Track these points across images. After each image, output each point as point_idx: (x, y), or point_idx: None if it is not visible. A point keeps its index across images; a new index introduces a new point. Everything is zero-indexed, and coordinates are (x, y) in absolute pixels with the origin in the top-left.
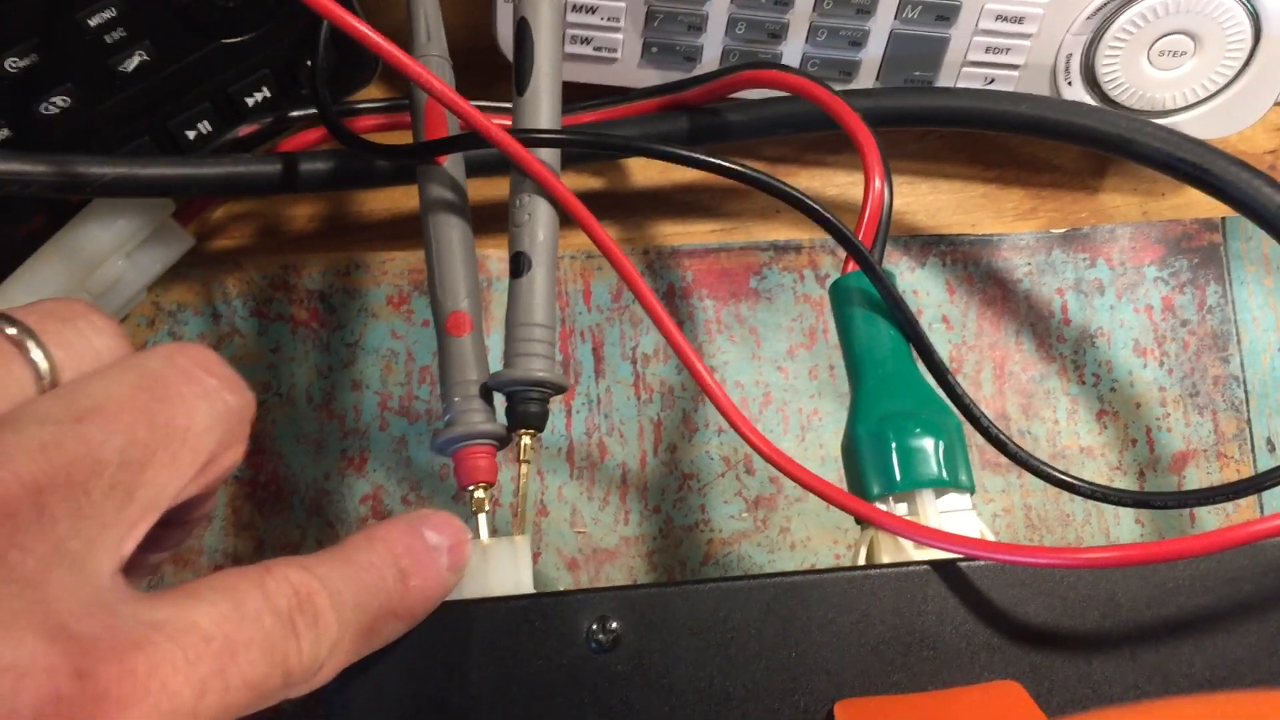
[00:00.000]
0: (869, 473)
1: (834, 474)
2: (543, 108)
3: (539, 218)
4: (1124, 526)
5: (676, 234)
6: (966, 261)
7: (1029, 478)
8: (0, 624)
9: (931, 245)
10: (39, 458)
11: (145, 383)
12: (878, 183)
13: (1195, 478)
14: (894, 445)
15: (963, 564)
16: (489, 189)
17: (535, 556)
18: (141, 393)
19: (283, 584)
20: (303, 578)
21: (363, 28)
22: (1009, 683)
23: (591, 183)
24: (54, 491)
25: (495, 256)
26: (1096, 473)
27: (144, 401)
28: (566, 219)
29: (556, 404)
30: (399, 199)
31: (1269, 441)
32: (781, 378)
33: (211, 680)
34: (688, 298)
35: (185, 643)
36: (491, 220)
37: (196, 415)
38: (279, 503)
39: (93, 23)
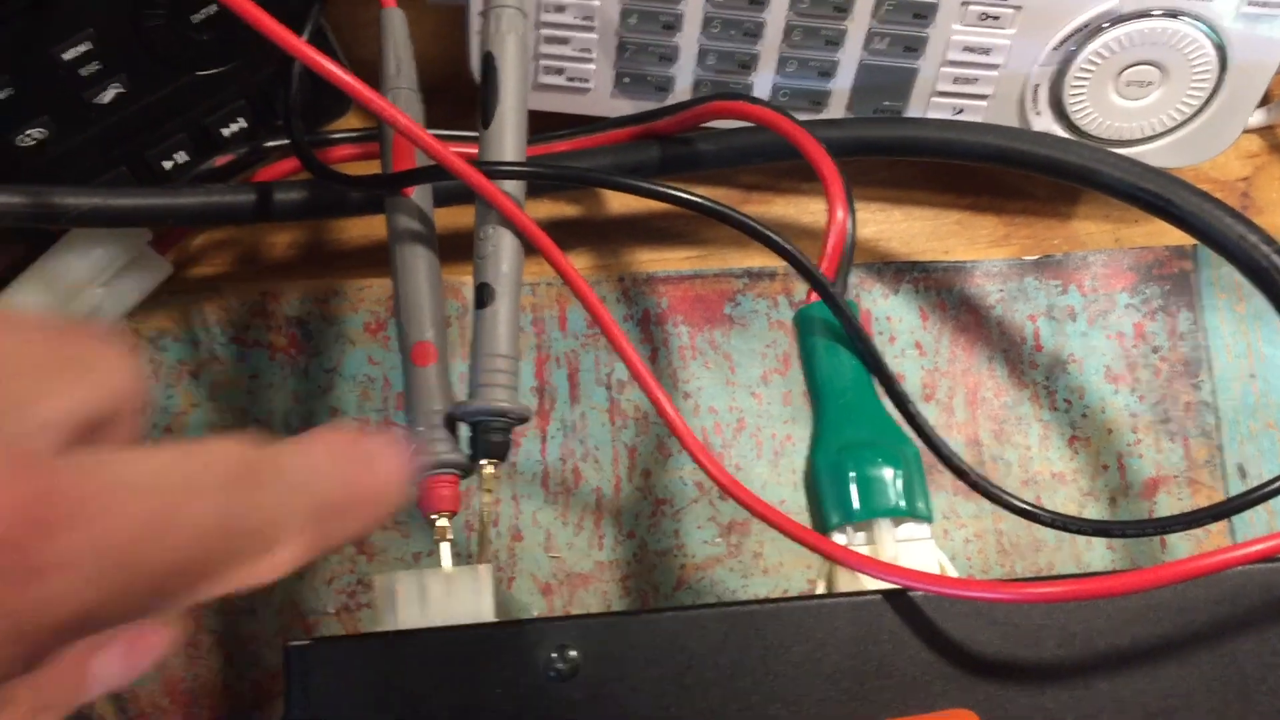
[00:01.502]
0: (828, 502)
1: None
2: (507, 140)
3: (503, 249)
4: (1096, 552)
5: (651, 261)
6: (939, 288)
7: None
8: None
9: (905, 272)
10: None
11: None
12: (840, 213)
13: (1167, 504)
14: (852, 475)
15: (916, 595)
16: (464, 217)
17: (509, 582)
18: None
19: (230, 449)
20: (248, 448)
21: (329, 65)
22: (964, 712)
23: (567, 210)
24: None
25: (469, 285)
26: (1068, 499)
27: None
28: (532, 249)
29: (531, 429)
30: (377, 227)
31: (1240, 468)
32: (755, 404)
33: (160, 522)
34: (662, 324)
35: (131, 475)
36: (466, 249)
37: None
38: None
39: (67, 56)
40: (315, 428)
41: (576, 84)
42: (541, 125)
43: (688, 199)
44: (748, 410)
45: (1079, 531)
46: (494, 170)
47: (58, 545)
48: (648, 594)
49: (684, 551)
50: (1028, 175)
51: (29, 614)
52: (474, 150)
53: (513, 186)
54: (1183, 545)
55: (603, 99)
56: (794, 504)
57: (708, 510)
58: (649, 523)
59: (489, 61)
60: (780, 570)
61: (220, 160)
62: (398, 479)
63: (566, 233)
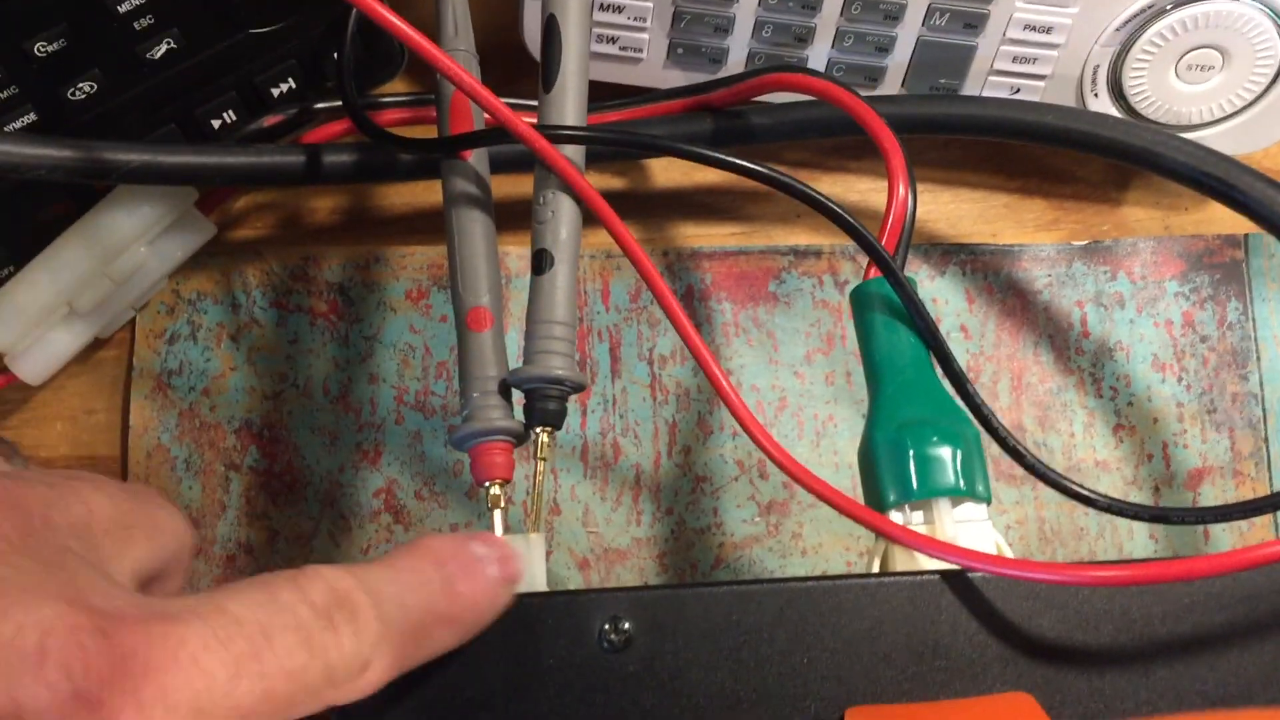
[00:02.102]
0: (886, 480)
1: (847, 481)
2: (569, 105)
3: (562, 215)
4: (1137, 541)
5: (696, 236)
6: (986, 271)
7: (1043, 490)
8: (24, 589)
9: (952, 254)
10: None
11: None
12: (902, 189)
13: (1211, 495)
14: (912, 453)
15: (975, 576)
16: (509, 186)
17: (547, 555)
18: None
19: (316, 580)
20: (337, 574)
21: (392, 18)
22: (1021, 694)
23: (613, 183)
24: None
25: (515, 254)
26: (1111, 487)
27: None
28: (589, 217)
29: (572, 403)
30: (420, 194)
31: None
32: (798, 383)
33: (246, 663)
34: (706, 300)
35: (215, 622)
36: (511, 217)
37: None
38: (292, 494)
39: (122, 9)
40: (412, 541)
41: (629, 53)
42: (592, 95)
43: (754, 169)
44: (790, 389)
45: (1134, 517)
46: (557, 135)
47: (142, 698)
48: (685, 571)
49: (723, 530)
50: (1078, 160)
51: None
52: (530, 117)
53: (574, 152)
54: (1225, 537)
55: (655, 69)
56: (835, 485)
57: (747, 489)
58: (688, 500)
59: (552, 24)
60: (819, 551)
61: (269, 120)
62: (498, 589)
63: (612, 205)
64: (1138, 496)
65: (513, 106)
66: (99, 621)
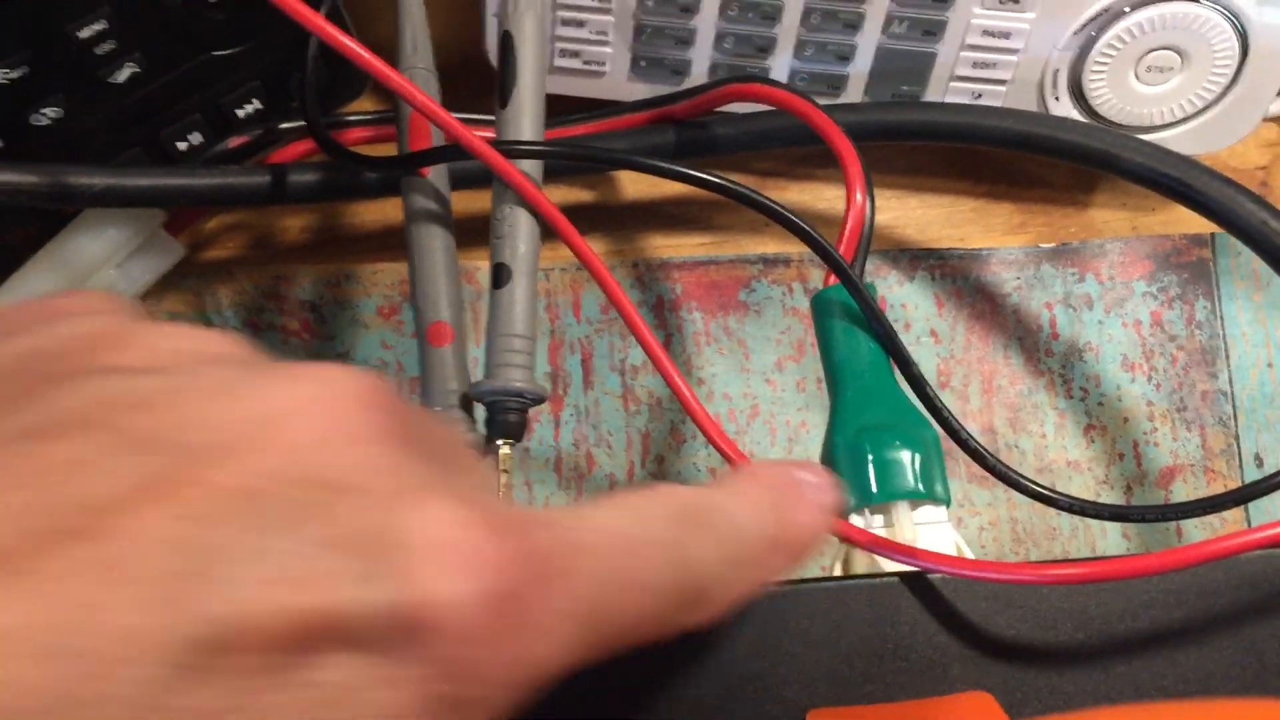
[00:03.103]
0: (846, 484)
1: None
2: (525, 120)
3: (520, 229)
4: (1110, 540)
5: (666, 246)
6: (955, 275)
7: (1015, 492)
8: (425, 488)
9: (920, 259)
10: None
11: None
12: (859, 196)
13: (1183, 492)
14: (870, 457)
15: (934, 577)
16: (480, 201)
17: None
18: None
19: (671, 499)
20: (690, 494)
21: (348, 42)
22: (980, 693)
23: (581, 195)
24: None
25: (485, 269)
26: (1084, 487)
27: None
28: (549, 231)
29: (545, 414)
30: (390, 211)
31: (1257, 457)
32: (770, 390)
33: (621, 571)
34: (676, 310)
35: (585, 529)
36: (482, 233)
37: None
38: None
39: (83, 34)
40: (740, 467)
41: (592, 67)
42: (556, 109)
43: (709, 180)
44: (762, 397)
45: (1096, 516)
46: (512, 150)
47: (550, 602)
48: None
49: None
50: (1044, 163)
51: (517, 666)
52: (490, 133)
53: (530, 166)
54: (1198, 535)
55: (618, 83)
56: None
57: None
58: None
59: (507, 41)
60: None
61: (235, 142)
62: (826, 517)
63: (580, 218)
64: (1110, 496)
65: (474, 123)
66: (503, 521)
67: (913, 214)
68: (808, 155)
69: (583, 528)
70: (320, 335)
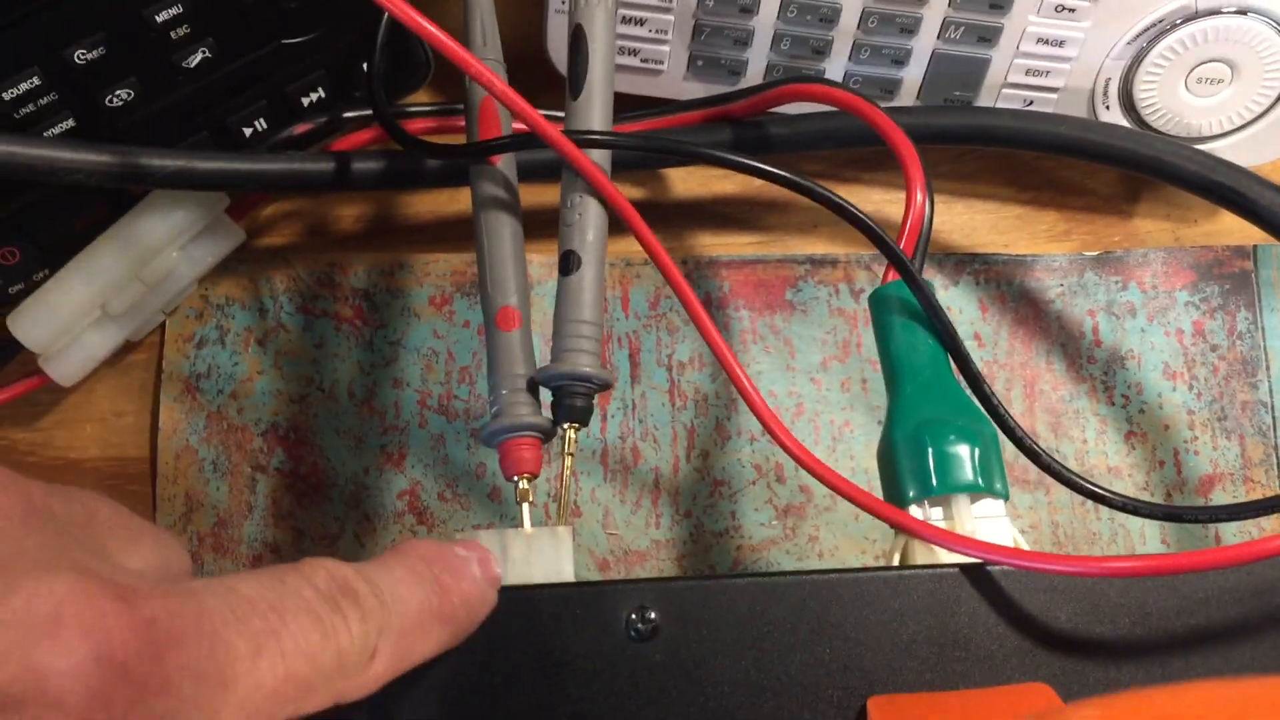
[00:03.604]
0: (905, 476)
1: (864, 486)
2: (595, 111)
3: (589, 217)
4: (1149, 546)
5: (714, 245)
6: (1000, 281)
7: (1056, 495)
8: (34, 561)
9: (965, 264)
10: None
11: None
12: (919, 195)
13: (1222, 501)
14: (931, 450)
15: (993, 569)
16: (532, 195)
17: None
18: None
19: (317, 568)
20: (337, 565)
21: (425, 23)
22: (1039, 685)
23: (632, 192)
24: None
25: (537, 261)
26: (1123, 493)
27: None
28: (613, 223)
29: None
30: (443, 202)
31: None
32: (814, 389)
33: (265, 639)
34: (724, 308)
35: (230, 600)
36: (534, 226)
37: None
38: (318, 495)
39: (159, 19)
40: (397, 544)
41: (650, 65)
42: (614, 106)
43: (785, 176)
44: (806, 395)
45: (1149, 515)
46: (585, 139)
47: (165, 669)
48: (703, 573)
49: (740, 533)
50: (1089, 171)
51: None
52: (557, 126)
53: (600, 157)
54: (1237, 541)
55: (675, 81)
56: None
57: (765, 493)
58: (706, 503)
59: (579, 34)
60: (836, 554)
61: (299, 129)
62: (485, 588)
63: None
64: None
65: None
66: (116, 590)
67: (959, 219)
68: (854, 158)
69: (222, 596)
70: (372, 323)
